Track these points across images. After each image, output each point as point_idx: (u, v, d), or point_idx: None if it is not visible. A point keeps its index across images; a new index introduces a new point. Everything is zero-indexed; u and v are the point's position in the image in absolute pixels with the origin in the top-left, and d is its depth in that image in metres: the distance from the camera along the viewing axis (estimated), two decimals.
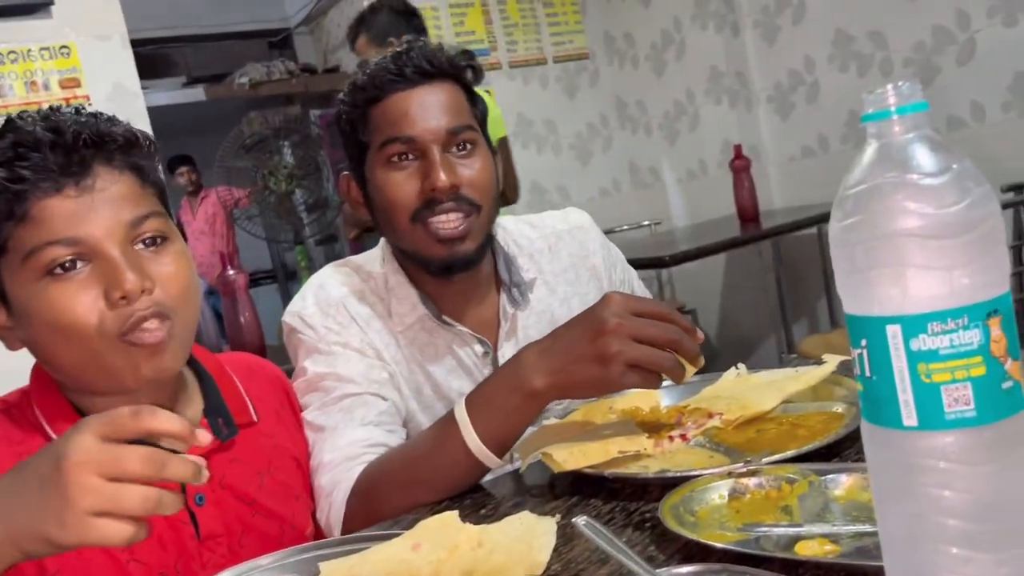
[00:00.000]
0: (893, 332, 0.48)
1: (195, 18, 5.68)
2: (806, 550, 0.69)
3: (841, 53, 3.70)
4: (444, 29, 4.22)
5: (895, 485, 0.50)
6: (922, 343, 0.48)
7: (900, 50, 3.48)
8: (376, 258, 1.24)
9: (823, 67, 3.78)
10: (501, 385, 0.98)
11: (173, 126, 4.15)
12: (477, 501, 0.98)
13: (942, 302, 0.47)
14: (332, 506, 1.04)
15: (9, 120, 0.91)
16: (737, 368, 1.17)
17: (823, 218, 3.20)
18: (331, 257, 4.66)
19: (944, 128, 3.33)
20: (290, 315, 1.19)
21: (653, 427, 1.04)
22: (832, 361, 1.07)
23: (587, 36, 4.66)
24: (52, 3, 3.06)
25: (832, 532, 0.71)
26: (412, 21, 2.81)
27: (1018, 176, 2.88)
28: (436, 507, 0.98)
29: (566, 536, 0.80)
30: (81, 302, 0.87)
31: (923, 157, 0.48)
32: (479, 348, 1.21)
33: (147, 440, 0.67)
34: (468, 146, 1.14)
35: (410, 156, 1.13)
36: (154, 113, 3.34)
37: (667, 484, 0.86)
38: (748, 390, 1.09)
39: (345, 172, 1.24)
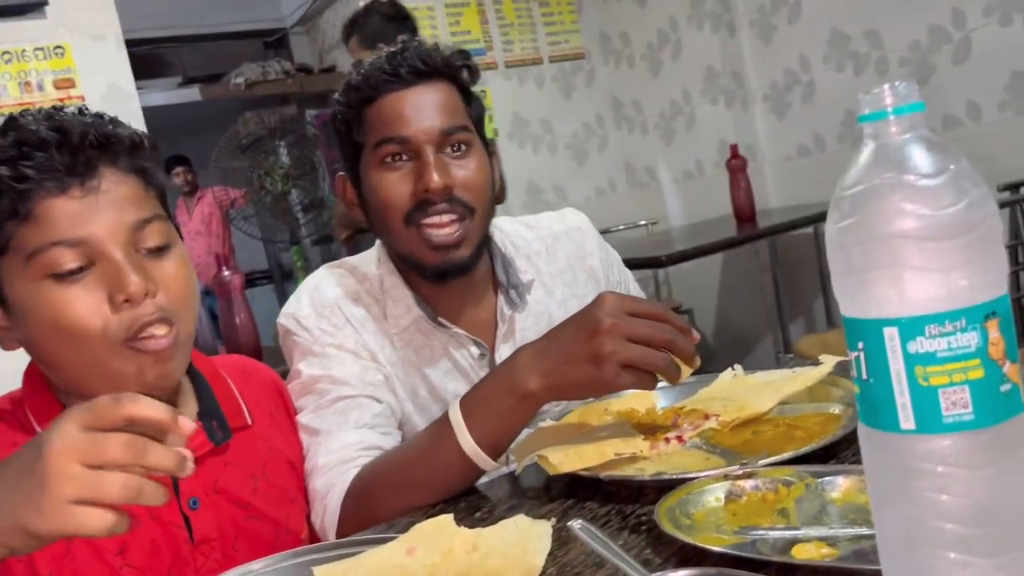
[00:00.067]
0: (890, 335, 0.48)
1: (191, 18, 5.67)
2: (803, 553, 0.68)
3: (837, 52, 3.70)
4: (440, 29, 4.22)
5: (892, 489, 0.50)
6: (919, 346, 0.47)
7: (896, 49, 3.48)
8: (372, 259, 1.23)
9: (819, 66, 3.78)
10: (496, 387, 0.97)
11: (169, 126, 4.14)
12: (472, 504, 0.97)
13: (940, 304, 0.47)
14: (327, 509, 1.03)
15: (12, 118, 0.91)
16: (733, 369, 1.17)
17: (819, 217, 3.20)
18: (327, 257, 4.65)
19: (940, 127, 3.33)
20: (285, 317, 1.19)
21: (649, 429, 1.04)
22: (829, 362, 1.06)
23: (583, 36, 4.65)
24: (46, 3, 3.05)
25: (829, 535, 0.71)
26: (403, 27, 2.80)
27: (1014, 175, 2.88)
28: (431, 510, 0.97)
29: (561, 539, 0.80)
30: (85, 304, 0.87)
31: (920, 158, 0.48)
32: (475, 350, 1.20)
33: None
34: (463, 147, 1.14)
35: (404, 157, 1.12)
36: (149, 113, 3.32)
37: (663, 487, 0.85)
38: (744, 391, 1.09)
39: (341, 172, 1.23)
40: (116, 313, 0.87)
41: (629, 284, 1.38)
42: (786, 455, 0.87)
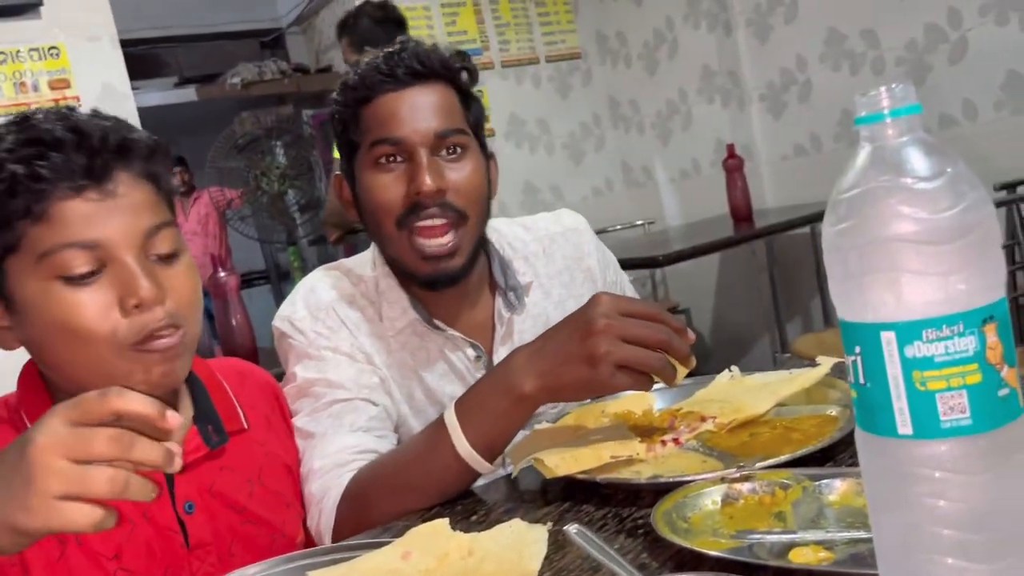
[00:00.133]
0: (887, 339, 0.48)
1: (186, 18, 5.66)
2: (800, 557, 0.68)
3: (833, 52, 3.70)
4: (436, 28, 4.21)
5: (890, 494, 0.49)
6: (917, 350, 0.47)
7: (892, 49, 3.48)
8: (367, 261, 1.23)
9: (815, 66, 3.78)
10: (491, 389, 0.97)
11: (164, 127, 4.11)
12: (468, 507, 0.97)
13: (937, 308, 0.46)
14: (322, 513, 1.03)
15: (24, 117, 0.90)
16: (730, 370, 1.16)
17: (816, 217, 3.20)
18: (324, 257, 4.65)
19: (936, 127, 3.33)
20: (280, 319, 1.18)
21: (646, 431, 1.04)
22: (826, 363, 1.06)
23: (579, 35, 4.65)
24: (41, 4, 3.04)
25: (826, 539, 0.71)
26: (393, 31, 2.79)
27: (1010, 174, 2.89)
28: (427, 513, 0.97)
29: (557, 544, 0.79)
30: (95, 308, 0.86)
31: (917, 161, 0.48)
32: (471, 352, 1.20)
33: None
34: (458, 150, 1.13)
35: (398, 158, 1.11)
36: (145, 114, 3.31)
37: (660, 490, 0.85)
38: (741, 393, 1.08)
39: (337, 172, 1.23)
40: (126, 317, 0.87)
41: (624, 286, 1.38)
42: (783, 458, 0.87)
